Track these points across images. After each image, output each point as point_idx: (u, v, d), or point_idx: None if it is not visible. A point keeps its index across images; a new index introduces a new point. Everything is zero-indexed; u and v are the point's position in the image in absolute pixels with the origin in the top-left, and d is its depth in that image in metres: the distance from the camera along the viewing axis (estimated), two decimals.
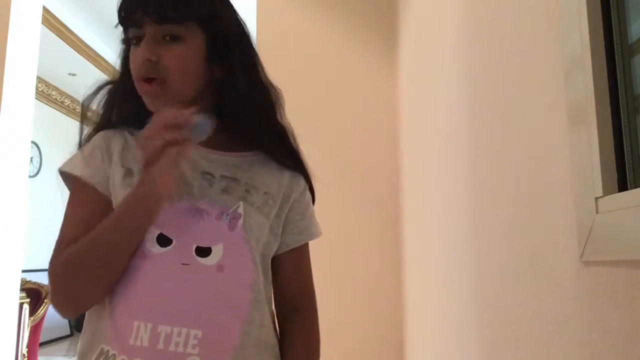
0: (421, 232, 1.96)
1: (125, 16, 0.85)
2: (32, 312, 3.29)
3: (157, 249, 0.80)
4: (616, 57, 0.76)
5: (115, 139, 0.88)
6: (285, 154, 0.93)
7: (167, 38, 0.82)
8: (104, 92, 0.91)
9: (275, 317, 0.92)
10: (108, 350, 0.78)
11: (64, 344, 5.50)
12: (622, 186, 0.72)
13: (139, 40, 0.84)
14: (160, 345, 0.75)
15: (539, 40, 0.95)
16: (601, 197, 0.73)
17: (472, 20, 1.34)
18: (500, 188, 1.13)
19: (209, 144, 0.88)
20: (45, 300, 3.35)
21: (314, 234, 0.95)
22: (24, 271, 2.74)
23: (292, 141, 0.96)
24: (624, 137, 0.73)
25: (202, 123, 0.75)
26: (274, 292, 0.91)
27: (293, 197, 0.92)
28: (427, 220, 1.86)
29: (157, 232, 0.80)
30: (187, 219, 0.81)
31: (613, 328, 0.70)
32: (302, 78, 2.49)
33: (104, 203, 0.83)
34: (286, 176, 0.92)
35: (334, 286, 2.33)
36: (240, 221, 0.83)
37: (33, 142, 3.73)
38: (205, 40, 0.85)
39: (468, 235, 1.35)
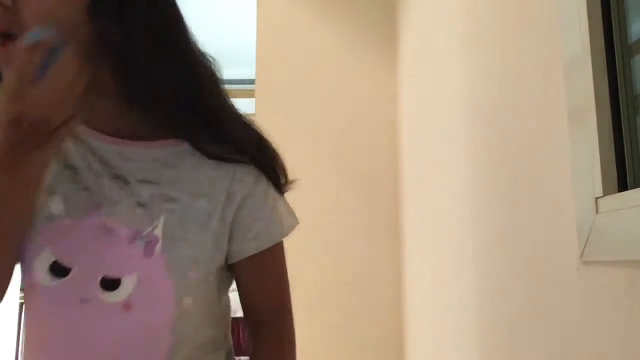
0: (421, 233, 1.96)
1: None
2: None
3: (49, 281, 0.62)
4: (616, 57, 0.76)
5: None
6: (220, 141, 0.70)
7: None
8: None
9: (246, 330, 0.78)
10: None
11: None
12: (622, 186, 0.72)
13: None
14: None
15: (539, 40, 0.95)
16: (601, 197, 0.73)
17: (472, 20, 1.34)
18: (500, 188, 1.13)
19: (120, 131, 0.67)
20: None
21: (277, 235, 0.73)
22: None
23: (236, 124, 0.73)
24: (624, 137, 0.73)
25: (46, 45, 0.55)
26: (240, 302, 0.76)
27: (240, 194, 0.69)
28: (427, 221, 1.86)
29: (51, 259, 0.63)
30: (93, 241, 0.63)
31: (613, 328, 0.70)
32: (302, 78, 2.49)
33: None
34: (228, 168, 0.69)
35: (333, 288, 2.33)
36: (159, 245, 0.64)
37: None
38: None
39: (468, 236, 1.35)
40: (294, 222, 0.77)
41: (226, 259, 0.71)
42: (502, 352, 1.12)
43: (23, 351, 0.67)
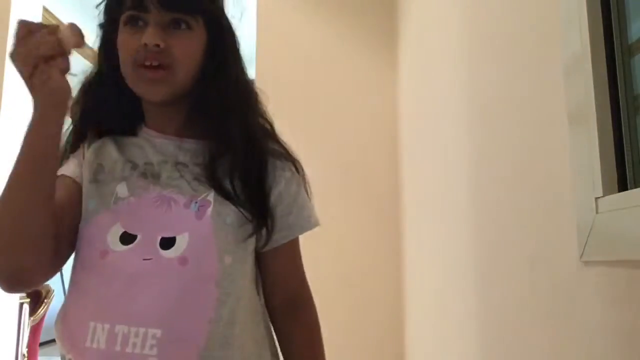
0: (421, 233, 1.96)
1: None
2: (32, 312, 3.28)
3: (119, 247, 0.76)
4: (616, 57, 0.76)
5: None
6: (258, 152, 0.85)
7: (172, 26, 0.78)
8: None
9: (266, 312, 0.86)
10: (65, 357, 0.74)
11: None
12: (622, 186, 0.72)
13: (135, 22, 0.78)
14: (118, 347, 0.71)
15: (539, 40, 0.95)
16: (601, 197, 0.73)
17: (472, 21, 1.34)
18: (501, 188, 1.13)
19: (181, 132, 0.84)
20: (45, 300, 3.35)
21: (304, 228, 0.86)
22: None
23: (273, 136, 0.91)
24: (624, 137, 0.73)
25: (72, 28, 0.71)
26: (263, 287, 0.86)
27: (277, 190, 0.83)
28: (427, 221, 1.86)
29: (121, 231, 0.77)
30: (153, 210, 0.77)
31: (613, 328, 0.70)
32: (302, 78, 2.48)
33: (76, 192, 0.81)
34: (268, 167, 0.84)
35: (333, 287, 2.33)
36: (210, 209, 0.77)
37: None
38: (206, 35, 0.82)
39: (468, 236, 1.35)
40: (316, 220, 0.88)
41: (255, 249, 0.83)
42: (503, 351, 1.12)
43: (64, 307, 0.77)
